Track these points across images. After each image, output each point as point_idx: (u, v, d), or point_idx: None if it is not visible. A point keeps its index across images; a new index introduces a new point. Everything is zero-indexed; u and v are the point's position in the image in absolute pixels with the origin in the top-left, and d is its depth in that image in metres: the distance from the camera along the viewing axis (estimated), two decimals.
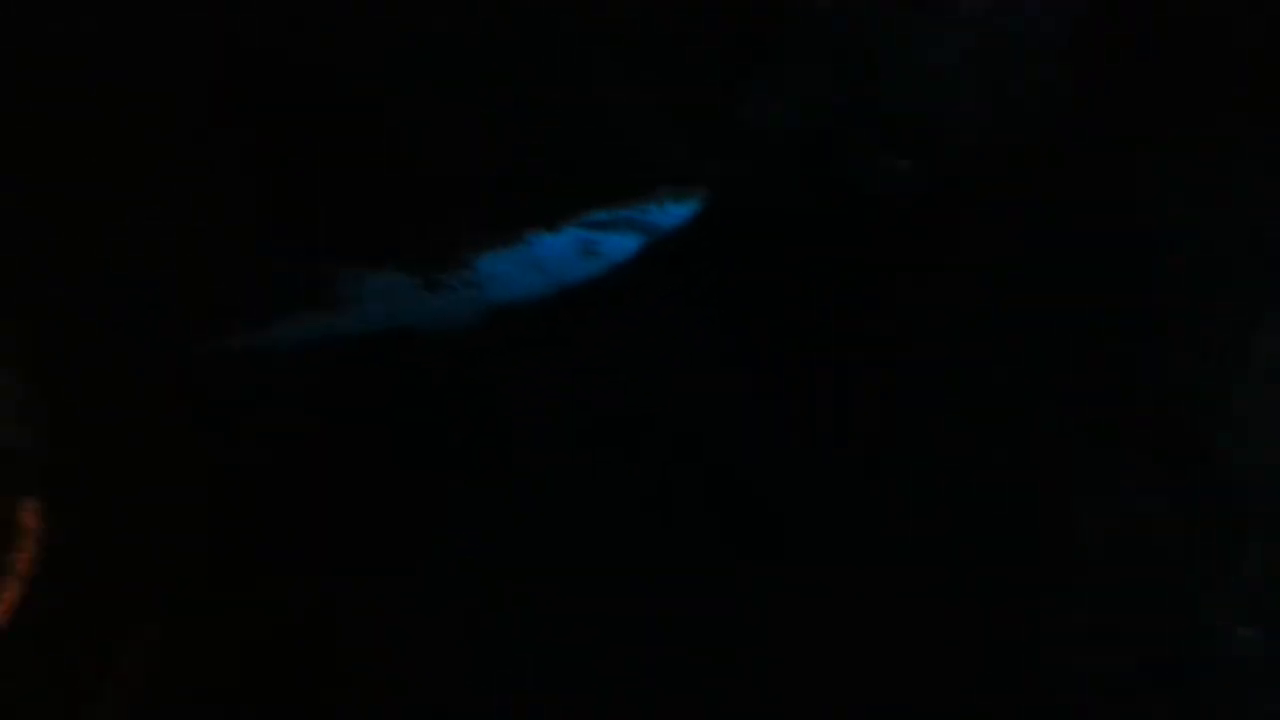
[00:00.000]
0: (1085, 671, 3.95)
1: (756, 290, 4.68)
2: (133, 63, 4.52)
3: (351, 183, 4.97)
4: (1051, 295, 4.19)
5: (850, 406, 4.47)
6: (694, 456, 4.73)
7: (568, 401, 4.94)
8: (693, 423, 4.67)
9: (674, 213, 4.67)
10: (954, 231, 4.39)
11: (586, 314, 4.92)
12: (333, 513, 4.82)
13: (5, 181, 4.48)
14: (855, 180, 4.47)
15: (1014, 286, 4.31)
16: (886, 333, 4.43)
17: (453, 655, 4.55)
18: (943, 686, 4.18)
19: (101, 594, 4.22)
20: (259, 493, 4.88)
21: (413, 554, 4.75)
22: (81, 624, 3.89)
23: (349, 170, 4.95)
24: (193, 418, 4.99)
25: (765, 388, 4.60)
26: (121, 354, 4.79)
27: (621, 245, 4.71)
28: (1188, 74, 4.02)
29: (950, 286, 4.42)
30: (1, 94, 4.34)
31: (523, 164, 4.75)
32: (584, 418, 4.91)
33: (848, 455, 4.46)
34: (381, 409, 5.17)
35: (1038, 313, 4.23)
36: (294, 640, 4.49)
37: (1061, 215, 4.20)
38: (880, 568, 4.29)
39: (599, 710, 4.47)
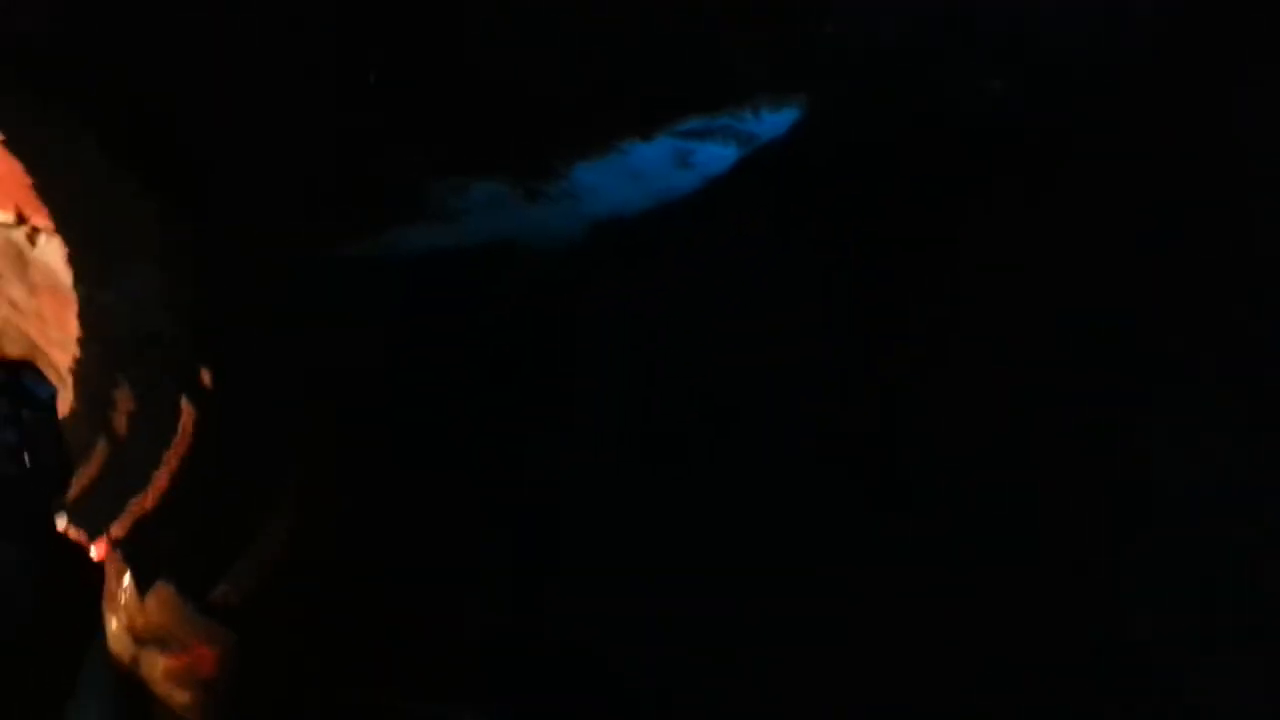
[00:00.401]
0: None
1: (847, 216, 4.44)
2: None
3: (455, 97, 4.97)
4: (1146, 232, 3.95)
5: (925, 348, 4.26)
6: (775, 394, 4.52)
7: (655, 328, 4.79)
8: (775, 359, 4.44)
9: (772, 121, 4.48)
10: (1049, 162, 4.11)
11: (685, 235, 4.76)
12: (420, 426, 4.82)
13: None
14: (948, 102, 4.22)
15: (1109, 222, 4.05)
16: (967, 266, 4.21)
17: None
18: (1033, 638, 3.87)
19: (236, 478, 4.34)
20: (358, 399, 4.93)
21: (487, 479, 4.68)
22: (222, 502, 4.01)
23: (452, 85, 4.95)
24: (308, 318, 5.06)
25: (851, 321, 4.40)
26: (250, 252, 4.94)
27: (718, 155, 4.56)
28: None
29: (1038, 221, 4.16)
30: None
31: (616, 74, 4.65)
32: (669, 348, 4.71)
33: (923, 399, 4.23)
34: (483, 326, 5.16)
35: (1132, 248, 3.98)
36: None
37: (1161, 149, 3.97)
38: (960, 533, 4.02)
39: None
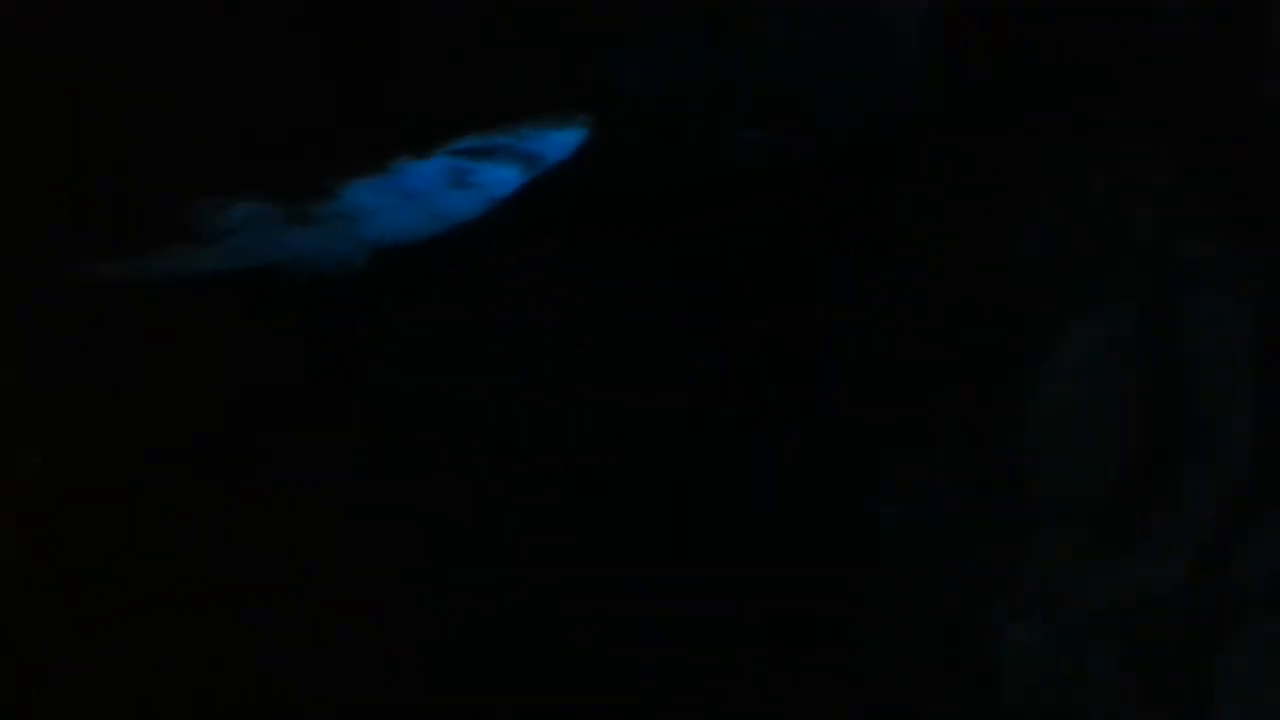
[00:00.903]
0: (870, 670, 3.70)
1: (628, 242, 4.41)
2: None
3: (208, 109, 4.53)
4: (877, 280, 4.02)
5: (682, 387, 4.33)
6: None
7: (433, 352, 4.56)
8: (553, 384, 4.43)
9: (557, 141, 4.19)
10: (795, 209, 4.18)
11: (468, 255, 4.50)
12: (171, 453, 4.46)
13: None
14: (707, 148, 4.17)
15: (842, 269, 4.14)
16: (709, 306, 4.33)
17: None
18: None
19: None
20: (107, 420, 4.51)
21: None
22: None
23: (205, 96, 4.52)
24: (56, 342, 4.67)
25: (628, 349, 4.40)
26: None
27: (499, 176, 4.24)
28: (1046, 64, 3.78)
29: (776, 264, 4.28)
30: None
31: (385, 90, 4.30)
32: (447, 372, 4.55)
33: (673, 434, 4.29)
34: (246, 351, 4.76)
35: (859, 297, 4.07)
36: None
37: (906, 199, 4.03)
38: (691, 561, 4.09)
39: None
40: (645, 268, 4.47)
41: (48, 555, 4.46)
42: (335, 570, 4.43)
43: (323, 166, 4.35)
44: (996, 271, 3.60)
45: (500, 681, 4.14)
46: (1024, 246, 3.56)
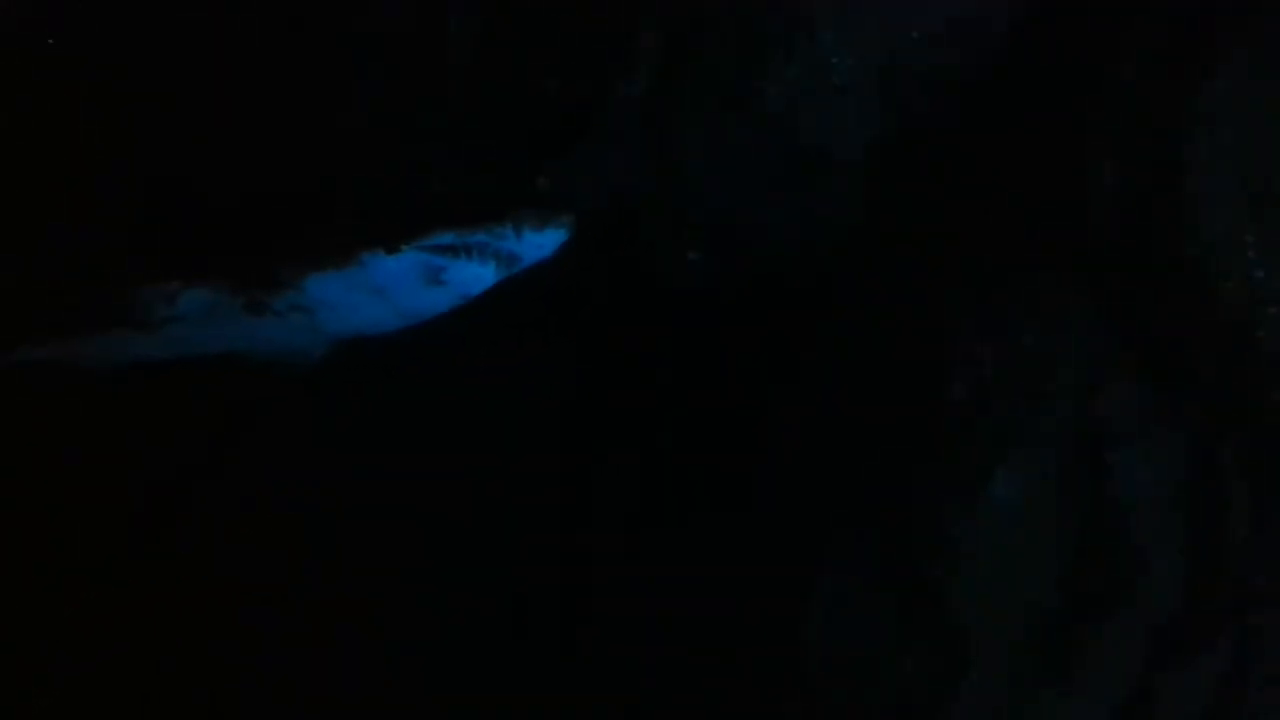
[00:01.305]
0: None
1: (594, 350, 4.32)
2: None
3: (162, 189, 4.24)
4: (815, 410, 4.02)
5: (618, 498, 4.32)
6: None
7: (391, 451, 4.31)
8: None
9: (535, 242, 3.93)
10: (735, 331, 4.18)
11: (431, 356, 4.24)
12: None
13: None
14: (651, 267, 4.10)
15: (777, 394, 4.15)
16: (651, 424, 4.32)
17: None
18: None
19: None
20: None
21: None
22: None
23: (159, 175, 4.23)
24: None
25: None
26: None
27: (474, 274, 3.96)
28: (981, 206, 3.77)
29: (713, 384, 4.27)
30: None
31: (354, 179, 4.04)
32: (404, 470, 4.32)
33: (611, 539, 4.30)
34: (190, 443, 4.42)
35: (798, 426, 4.06)
36: None
37: (842, 328, 4.02)
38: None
39: None
40: (584, 377, 4.43)
41: None
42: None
43: (284, 255, 4.05)
44: (927, 409, 3.62)
45: None
46: (956, 386, 3.58)
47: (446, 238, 3.88)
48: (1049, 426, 3.49)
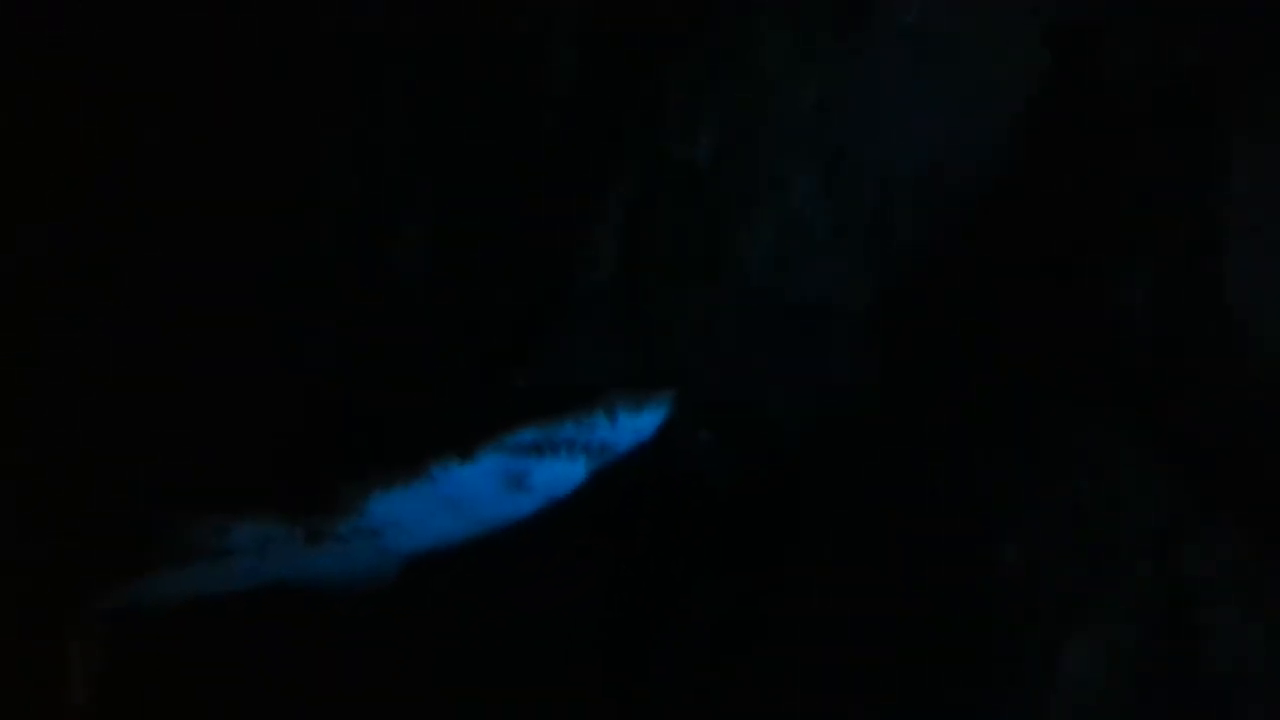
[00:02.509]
0: None
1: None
2: None
3: (207, 408, 3.76)
4: (848, 594, 3.59)
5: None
6: None
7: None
8: None
9: (631, 426, 3.38)
10: (758, 512, 3.77)
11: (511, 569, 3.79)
12: None
13: None
14: (668, 454, 3.63)
15: (809, 579, 3.71)
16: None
17: None
18: None
19: None
20: None
21: None
22: None
23: (203, 391, 3.75)
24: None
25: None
26: None
27: (562, 473, 3.41)
28: (1005, 343, 3.42)
29: (743, 569, 3.83)
30: None
31: (418, 374, 3.53)
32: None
33: None
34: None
35: (827, 612, 3.63)
36: None
37: (870, 506, 3.61)
38: None
39: None
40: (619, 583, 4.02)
41: None
42: None
43: (343, 474, 3.53)
44: (975, 585, 3.29)
45: None
46: (1005, 558, 3.24)
47: (528, 434, 3.32)
48: (1124, 587, 3.13)
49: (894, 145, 3.24)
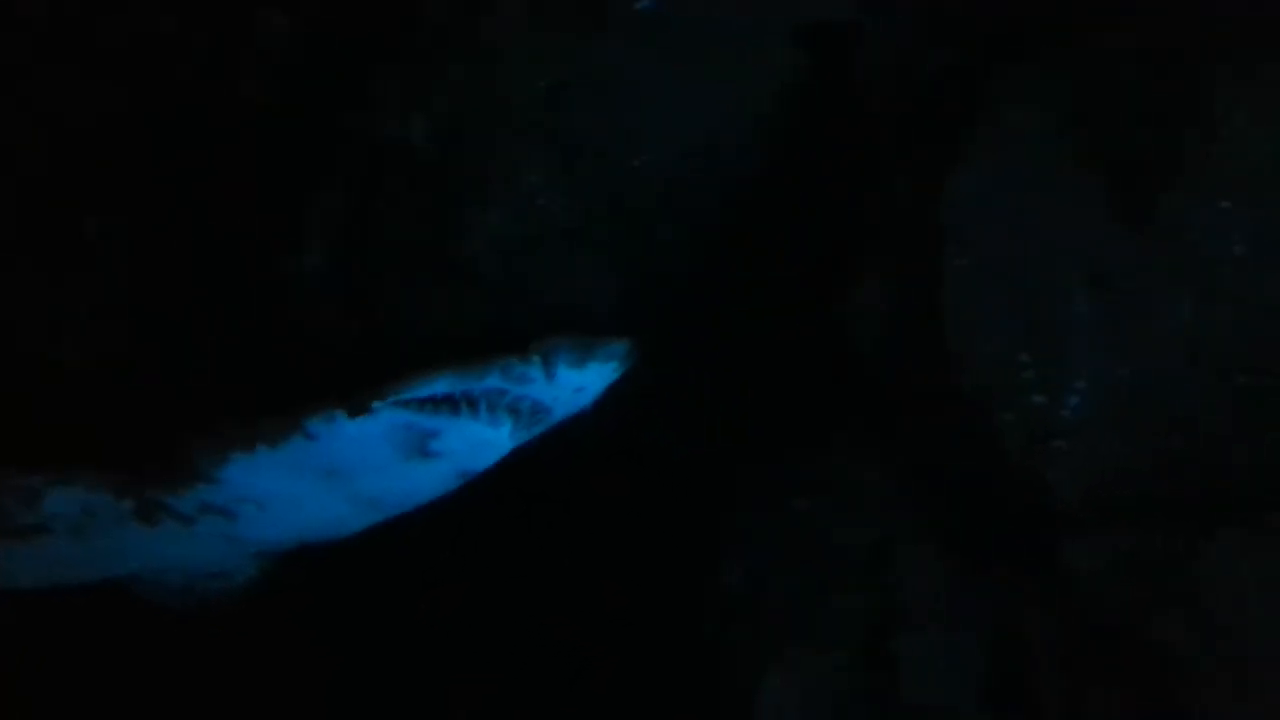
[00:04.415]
0: None
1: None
2: None
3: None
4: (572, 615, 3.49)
5: None
6: None
7: None
8: None
9: (570, 383, 2.64)
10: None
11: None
12: None
13: None
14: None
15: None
16: None
17: None
18: None
19: None
20: None
21: None
22: None
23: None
24: None
25: None
26: None
27: (480, 440, 2.64)
28: (747, 372, 3.26)
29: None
30: None
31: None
32: None
33: None
34: None
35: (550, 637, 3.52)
36: None
37: (601, 523, 3.42)
38: None
39: None
40: None
41: None
42: None
43: (188, 426, 2.72)
44: (698, 609, 3.17)
45: None
46: (729, 582, 3.11)
47: (439, 384, 2.56)
48: (829, 615, 3.02)
49: (637, 138, 2.99)
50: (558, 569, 3.42)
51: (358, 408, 2.57)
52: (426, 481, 2.73)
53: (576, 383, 2.65)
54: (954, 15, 3.01)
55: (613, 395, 2.77)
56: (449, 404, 2.59)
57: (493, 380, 2.58)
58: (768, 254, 3.17)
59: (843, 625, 3.01)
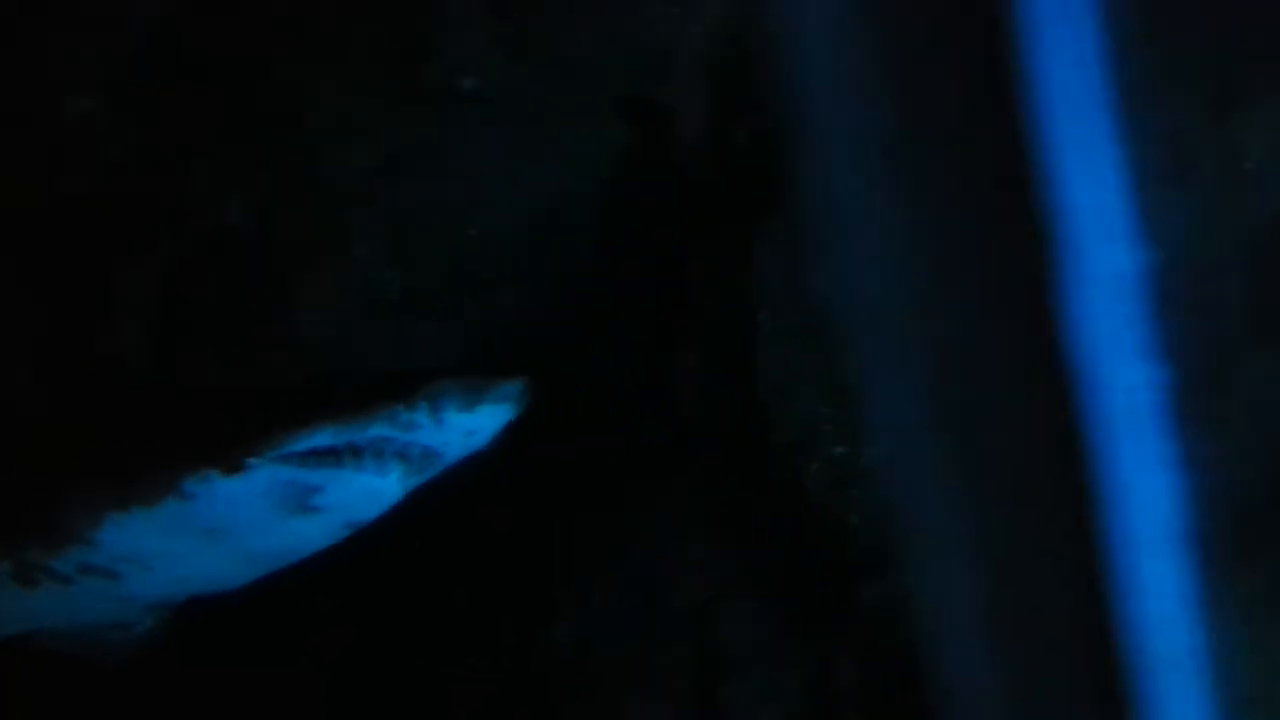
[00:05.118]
0: None
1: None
2: None
3: None
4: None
5: None
6: None
7: None
8: None
9: (461, 427, 2.51)
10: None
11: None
12: None
13: None
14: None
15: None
16: None
17: None
18: None
19: None
20: None
21: None
22: None
23: None
24: None
25: None
26: None
27: (365, 490, 2.51)
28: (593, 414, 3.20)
29: None
30: None
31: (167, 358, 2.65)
32: None
33: None
34: None
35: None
36: None
37: (441, 584, 3.32)
38: None
39: None
40: None
41: None
42: None
43: (62, 489, 2.58)
44: (529, 668, 3.17)
45: None
46: (558, 639, 3.13)
47: (319, 436, 2.42)
48: (659, 667, 3.05)
49: (473, 208, 2.95)
50: (389, 623, 3.36)
51: (233, 466, 2.43)
52: (313, 534, 2.60)
53: (468, 426, 2.52)
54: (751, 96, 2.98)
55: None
56: (332, 455, 2.46)
57: (378, 429, 2.45)
58: (606, 315, 3.14)
59: (674, 676, 3.03)
